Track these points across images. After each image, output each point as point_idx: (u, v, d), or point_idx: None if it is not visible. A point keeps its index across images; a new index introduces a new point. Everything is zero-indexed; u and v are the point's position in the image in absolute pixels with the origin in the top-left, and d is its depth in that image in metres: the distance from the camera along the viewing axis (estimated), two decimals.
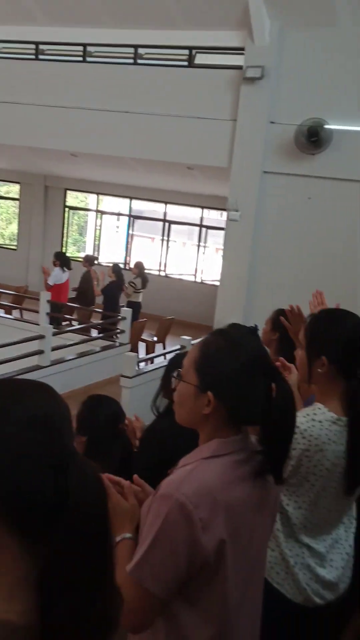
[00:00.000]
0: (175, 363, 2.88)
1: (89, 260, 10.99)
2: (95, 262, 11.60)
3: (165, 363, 3.29)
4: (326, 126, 7.11)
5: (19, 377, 6.70)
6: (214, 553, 1.39)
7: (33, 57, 9.50)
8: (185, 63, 8.49)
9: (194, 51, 8.42)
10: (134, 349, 9.18)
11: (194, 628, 1.44)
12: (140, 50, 8.83)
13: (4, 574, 0.84)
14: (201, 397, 1.47)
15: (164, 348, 9.98)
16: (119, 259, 14.71)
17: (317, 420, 1.93)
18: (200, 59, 8.53)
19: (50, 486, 0.83)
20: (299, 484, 1.97)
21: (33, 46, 9.46)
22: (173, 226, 14.56)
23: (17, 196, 15.94)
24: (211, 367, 1.48)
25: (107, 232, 15.73)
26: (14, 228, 16.28)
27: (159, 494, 1.41)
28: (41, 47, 9.48)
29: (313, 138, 7.13)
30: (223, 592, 1.44)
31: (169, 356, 7.11)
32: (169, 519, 1.35)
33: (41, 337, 7.52)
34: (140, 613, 1.39)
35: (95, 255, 14.44)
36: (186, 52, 8.43)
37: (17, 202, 15.96)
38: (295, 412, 1.52)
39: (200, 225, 14.12)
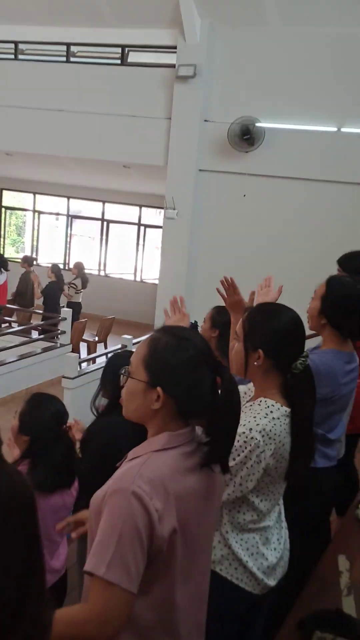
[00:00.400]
0: (113, 364, 2.90)
1: (28, 261, 10.82)
2: (34, 262, 11.44)
3: None
4: (258, 124, 7.24)
5: None
6: (167, 542, 1.42)
7: None
8: (118, 61, 8.48)
9: (126, 49, 8.42)
10: (75, 350, 9.11)
11: (141, 613, 1.47)
12: (73, 48, 8.76)
13: None
14: (150, 392, 1.50)
15: (106, 348, 9.94)
16: (59, 259, 14.54)
17: (276, 418, 1.96)
18: (133, 57, 8.53)
19: None
20: (262, 479, 2.00)
21: None
22: (112, 225, 14.50)
23: None
24: (160, 363, 1.51)
25: (46, 233, 15.50)
26: None
27: (114, 489, 1.42)
28: None
29: (245, 136, 7.25)
30: (170, 579, 1.48)
31: (112, 354, 7.13)
32: (130, 513, 1.37)
33: None
34: (120, 616, 1.39)
35: (34, 256, 14.23)
36: (119, 50, 8.42)
37: None
38: (240, 404, 1.56)
39: (139, 224, 14.10)
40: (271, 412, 1.97)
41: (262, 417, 1.94)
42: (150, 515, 1.38)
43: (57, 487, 2.48)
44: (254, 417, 1.94)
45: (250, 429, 1.90)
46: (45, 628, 0.89)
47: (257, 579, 2.02)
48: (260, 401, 2.01)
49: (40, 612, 0.86)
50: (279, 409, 1.98)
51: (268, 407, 1.98)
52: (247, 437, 1.89)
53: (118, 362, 2.83)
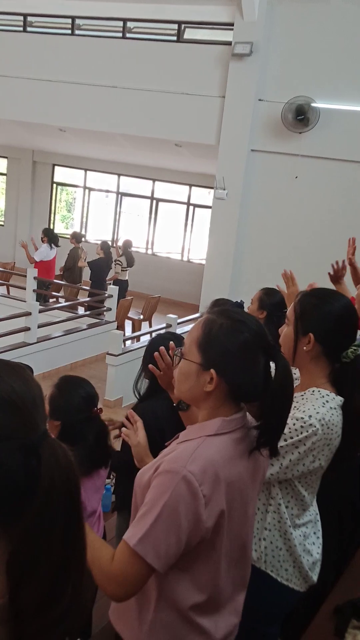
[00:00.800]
0: (155, 344, 2.88)
1: (76, 237, 10.92)
2: (83, 239, 11.53)
3: None
4: (313, 104, 7.08)
5: (4, 354, 6.70)
6: (213, 527, 1.44)
7: (21, 29, 9.36)
8: (174, 38, 8.39)
9: (183, 26, 8.33)
10: (120, 327, 9.18)
11: (184, 594, 1.50)
12: (129, 24, 8.71)
13: None
14: (203, 374, 1.49)
15: (150, 326, 9.99)
16: (107, 236, 14.60)
17: (333, 408, 1.92)
18: (189, 34, 8.43)
19: (21, 468, 0.82)
20: (315, 471, 1.98)
21: (21, 18, 9.30)
22: (161, 204, 14.47)
23: (4, 171, 15.70)
24: (214, 345, 1.49)
25: (95, 209, 15.57)
26: (0, 203, 16.05)
27: (166, 469, 1.43)
28: (29, 19, 9.34)
29: (300, 116, 7.10)
30: (215, 562, 1.50)
31: (155, 334, 7.15)
32: (176, 495, 1.39)
33: (27, 314, 7.50)
34: (135, 585, 1.44)
35: (83, 232, 14.33)
36: (175, 26, 8.33)
37: (4, 177, 15.74)
38: (293, 389, 1.54)
39: (188, 204, 14.03)
40: (327, 401, 1.93)
41: (320, 405, 1.90)
42: (197, 500, 1.39)
43: (92, 470, 2.49)
44: (313, 405, 1.90)
45: (310, 416, 1.86)
46: (85, 604, 0.89)
47: (306, 576, 2.00)
48: (314, 391, 1.96)
49: (80, 589, 0.87)
50: (334, 398, 1.94)
51: (323, 396, 1.94)
52: (304, 423, 1.86)
53: (160, 343, 2.81)
